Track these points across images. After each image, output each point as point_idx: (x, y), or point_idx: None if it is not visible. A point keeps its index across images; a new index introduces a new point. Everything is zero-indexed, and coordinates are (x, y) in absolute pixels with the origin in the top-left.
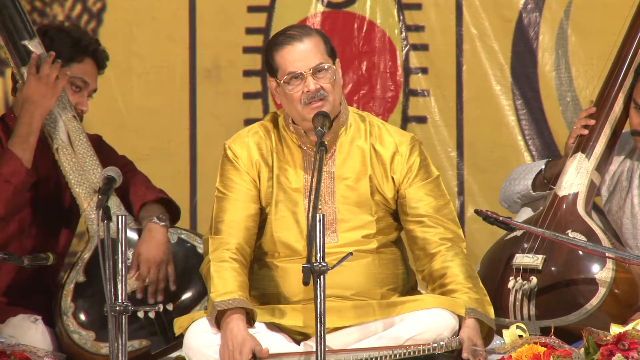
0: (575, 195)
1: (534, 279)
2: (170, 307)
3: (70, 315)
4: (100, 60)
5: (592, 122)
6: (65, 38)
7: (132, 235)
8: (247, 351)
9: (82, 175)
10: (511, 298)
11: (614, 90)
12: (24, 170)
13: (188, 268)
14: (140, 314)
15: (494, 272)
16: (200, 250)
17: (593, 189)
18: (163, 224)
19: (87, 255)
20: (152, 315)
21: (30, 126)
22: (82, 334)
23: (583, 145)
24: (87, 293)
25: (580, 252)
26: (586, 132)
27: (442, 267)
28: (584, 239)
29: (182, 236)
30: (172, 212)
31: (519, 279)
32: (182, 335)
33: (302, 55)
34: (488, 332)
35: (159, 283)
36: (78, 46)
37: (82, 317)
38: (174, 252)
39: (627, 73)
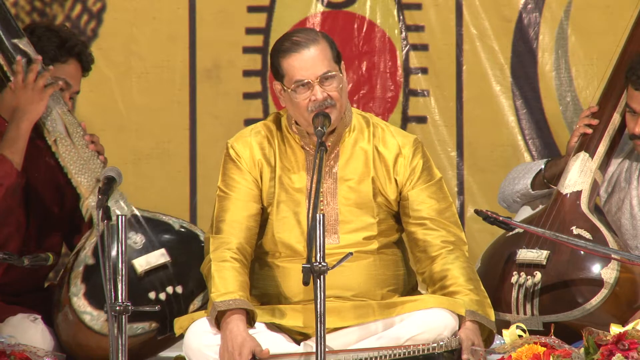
0: (579, 193)
1: (538, 274)
2: (179, 290)
3: (82, 296)
4: (85, 62)
5: (596, 122)
6: (52, 37)
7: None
8: (246, 352)
9: (83, 165)
10: (514, 293)
11: (617, 91)
12: (14, 172)
13: (192, 254)
14: (152, 296)
15: (495, 268)
16: (202, 238)
17: (596, 188)
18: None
19: (94, 240)
20: (162, 297)
21: (18, 130)
22: (93, 315)
23: (586, 144)
24: (97, 275)
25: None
26: (590, 131)
27: (443, 269)
28: (589, 235)
29: (184, 225)
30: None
31: (523, 274)
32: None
33: (309, 63)
34: (489, 335)
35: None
36: (63, 47)
37: (94, 297)
38: (177, 239)
39: None
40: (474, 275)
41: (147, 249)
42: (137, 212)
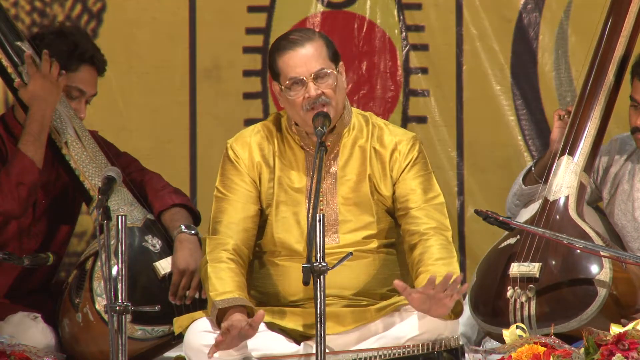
0: (566, 198)
1: (532, 288)
2: (197, 295)
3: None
4: (99, 64)
5: (563, 112)
6: (61, 45)
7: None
8: (236, 324)
9: (96, 168)
10: (510, 308)
11: (596, 89)
12: (35, 170)
13: None
14: (172, 299)
15: (490, 283)
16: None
17: (583, 191)
18: (193, 232)
19: (113, 242)
20: (187, 301)
21: (42, 123)
22: None
23: (570, 147)
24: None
25: (576, 257)
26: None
27: (420, 253)
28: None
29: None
30: (194, 216)
31: (517, 289)
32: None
33: (303, 60)
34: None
35: (190, 291)
36: (73, 55)
37: None
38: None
39: (606, 70)
40: (447, 254)
41: (166, 252)
42: (151, 217)
